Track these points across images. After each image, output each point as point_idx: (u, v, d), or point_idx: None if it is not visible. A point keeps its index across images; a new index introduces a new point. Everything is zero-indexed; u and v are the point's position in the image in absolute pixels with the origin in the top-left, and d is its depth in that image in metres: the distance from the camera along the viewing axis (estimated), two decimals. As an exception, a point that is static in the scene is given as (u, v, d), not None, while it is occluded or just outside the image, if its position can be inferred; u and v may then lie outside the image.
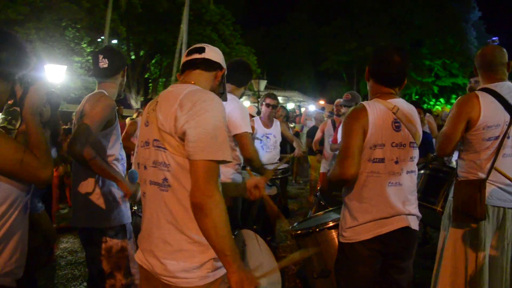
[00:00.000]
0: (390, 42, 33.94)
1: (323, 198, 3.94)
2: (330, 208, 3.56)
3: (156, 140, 1.74)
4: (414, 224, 2.39)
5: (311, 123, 11.05)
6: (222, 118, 1.69)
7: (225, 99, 2.03)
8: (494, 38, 31.83)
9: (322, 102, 24.10)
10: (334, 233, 2.80)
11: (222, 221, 1.58)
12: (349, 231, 2.35)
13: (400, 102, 2.41)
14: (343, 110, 6.41)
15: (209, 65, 1.95)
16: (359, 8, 35.19)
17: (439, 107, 34.58)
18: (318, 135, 6.86)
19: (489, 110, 2.75)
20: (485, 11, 39.97)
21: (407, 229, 2.34)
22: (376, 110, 2.32)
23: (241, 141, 3.12)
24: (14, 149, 1.61)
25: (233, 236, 1.99)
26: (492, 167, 2.76)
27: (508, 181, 2.75)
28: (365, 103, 2.36)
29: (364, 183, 2.32)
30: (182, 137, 1.65)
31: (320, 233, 2.84)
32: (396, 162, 2.32)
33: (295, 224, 3.35)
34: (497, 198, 2.80)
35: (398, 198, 2.33)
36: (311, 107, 16.28)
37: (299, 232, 2.96)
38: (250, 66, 3.71)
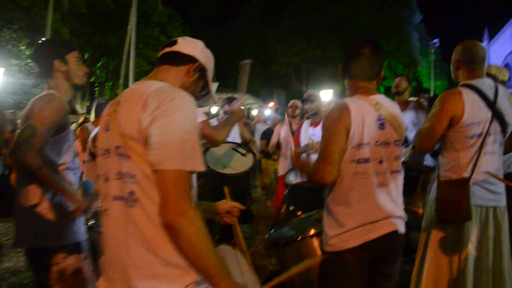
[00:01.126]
0: (336, 43, 34.85)
1: (292, 203, 3.75)
2: (300, 213, 3.41)
3: (119, 147, 1.48)
4: (401, 227, 2.27)
5: (262, 127, 10.92)
6: (193, 120, 1.46)
7: (214, 101, 1.78)
8: (435, 40, 33.37)
9: (272, 104, 24.15)
10: (316, 242, 2.61)
11: (200, 239, 1.36)
12: (335, 239, 2.17)
13: (382, 99, 2.28)
14: (297, 111, 6.32)
15: (179, 58, 1.70)
16: (306, 10, 35.66)
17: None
18: (274, 138, 6.65)
19: (472, 107, 2.69)
20: (426, 15, 41.91)
21: (395, 233, 2.20)
22: (359, 107, 2.17)
23: None
24: None
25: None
26: (475, 165, 2.70)
27: (490, 180, 2.74)
28: (347, 100, 2.21)
29: (350, 186, 2.16)
30: (148, 143, 1.40)
31: (302, 242, 2.64)
32: (381, 162, 2.19)
33: (271, 231, 3.12)
34: (479, 197, 2.75)
35: (385, 200, 2.19)
36: (267, 111, 16.22)
37: (276, 241, 2.74)
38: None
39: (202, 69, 1.76)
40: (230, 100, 5.37)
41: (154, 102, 1.42)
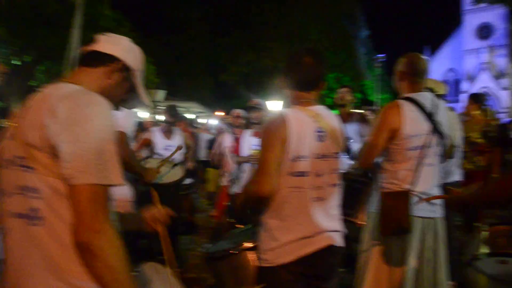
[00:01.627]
0: (286, 55, 35.18)
1: (232, 215, 3.63)
2: (239, 226, 3.29)
3: (21, 158, 1.32)
4: (339, 241, 2.24)
5: (205, 136, 10.82)
6: (109, 128, 1.33)
7: (147, 105, 1.65)
8: (381, 55, 34.56)
9: (220, 113, 24.01)
10: (251, 255, 2.50)
11: (118, 261, 1.24)
12: (270, 254, 2.10)
13: (321, 110, 2.26)
14: (240, 121, 6.28)
15: (97, 58, 1.56)
16: (257, 21, 35.90)
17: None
18: (216, 148, 6.58)
19: (411, 120, 2.73)
20: (372, 30, 43.42)
21: (331, 247, 2.17)
22: (297, 118, 2.12)
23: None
24: None
25: (136, 273, 1.62)
26: (415, 177, 2.74)
27: (428, 192, 2.79)
28: (284, 111, 2.17)
29: (285, 199, 2.10)
30: (56, 153, 1.25)
31: (236, 255, 2.52)
32: (319, 175, 2.15)
33: (207, 245, 2.99)
34: (419, 208, 2.78)
35: (322, 214, 2.16)
36: (213, 120, 16.06)
37: (211, 255, 2.63)
38: None
39: (127, 70, 1.61)
40: (170, 109, 5.23)
41: (64, 108, 1.28)
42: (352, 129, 4.85)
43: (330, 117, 2.28)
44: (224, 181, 6.11)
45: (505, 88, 50.97)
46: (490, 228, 2.82)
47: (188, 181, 5.14)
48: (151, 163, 4.26)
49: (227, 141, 6.28)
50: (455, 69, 56.89)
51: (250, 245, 2.51)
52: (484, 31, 55.40)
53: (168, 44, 37.30)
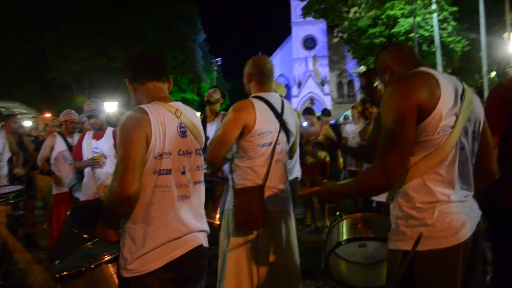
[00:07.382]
0: (122, 54, 33.75)
1: (75, 225, 3.24)
2: (87, 237, 3.00)
3: None
4: (205, 241, 2.19)
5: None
6: None
7: None
8: (217, 59, 35.64)
9: (48, 115, 22.27)
10: (111, 268, 2.27)
11: None
12: (136, 263, 1.95)
13: (181, 106, 2.23)
14: (76, 126, 5.87)
15: None
16: (89, 16, 33.50)
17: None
18: (45, 151, 5.72)
19: (263, 117, 2.83)
20: (209, 35, 44.54)
21: (199, 248, 2.11)
22: (159, 114, 2.03)
23: None
24: None
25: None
26: (268, 173, 2.86)
27: (280, 186, 2.94)
28: (144, 106, 2.04)
29: (150, 200, 1.98)
30: None
31: (95, 270, 2.24)
32: (183, 173, 2.10)
33: (56, 262, 2.58)
34: (273, 203, 2.88)
35: (189, 214, 2.10)
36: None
37: (66, 273, 2.29)
38: None
39: None
40: None
41: None
42: (215, 128, 4.88)
43: (190, 113, 2.25)
44: (66, 187, 5.51)
45: (327, 94, 57.64)
46: (348, 216, 2.93)
47: (15, 188, 4.52)
48: None
49: (59, 145, 5.65)
50: (285, 75, 62.15)
51: (109, 257, 2.27)
52: (309, 42, 61.78)
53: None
